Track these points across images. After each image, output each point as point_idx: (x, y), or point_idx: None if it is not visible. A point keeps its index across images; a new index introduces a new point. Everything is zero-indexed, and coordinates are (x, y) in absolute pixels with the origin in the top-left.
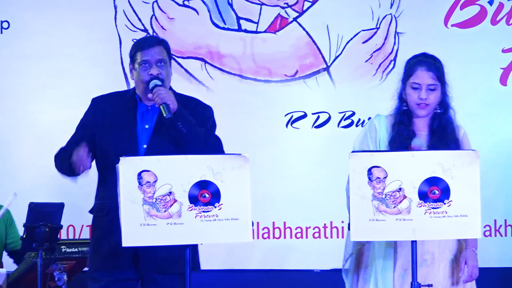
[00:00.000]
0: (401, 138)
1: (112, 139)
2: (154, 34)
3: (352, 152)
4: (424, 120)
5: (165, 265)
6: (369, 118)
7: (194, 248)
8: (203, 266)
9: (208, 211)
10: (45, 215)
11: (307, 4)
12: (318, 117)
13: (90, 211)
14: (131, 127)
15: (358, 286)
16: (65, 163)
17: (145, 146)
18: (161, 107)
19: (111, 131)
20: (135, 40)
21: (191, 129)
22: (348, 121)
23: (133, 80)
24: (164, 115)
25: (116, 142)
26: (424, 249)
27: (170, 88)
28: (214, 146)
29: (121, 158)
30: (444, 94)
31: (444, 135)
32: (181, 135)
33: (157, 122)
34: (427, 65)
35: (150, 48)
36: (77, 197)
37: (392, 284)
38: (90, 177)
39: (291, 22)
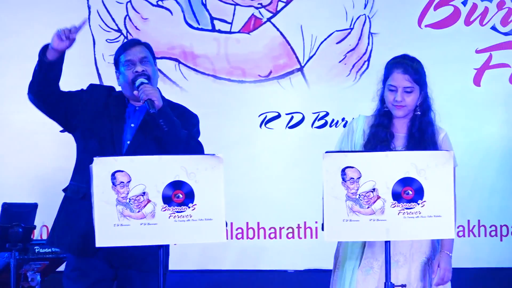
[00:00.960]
0: (376, 140)
1: (98, 128)
2: (128, 34)
3: (326, 152)
4: (404, 122)
5: (135, 261)
6: (343, 119)
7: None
8: (177, 267)
9: (181, 212)
10: (18, 216)
11: (281, 5)
12: (292, 117)
13: (64, 190)
14: (118, 122)
15: (332, 286)
16: (41, 69)
17: (128, 142)
18: (146, 102)
19: (98, 119)
20: (108, 41)
21: (173, 128)
22: (322, 122)
23: (120, 85)
24: (149, 110)
25: (101, 132)
26: (396, 250)
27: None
28: (195, 151)
29: (94, 158)
30: (425, 96)
31: (422, 137)
32: (163, 134)
33: (142, 121)
34: (403, 67)
35: (131, 48)
36: (51, 197)
37: (351, 274)
38: (64, 178)
39: (265, 22)
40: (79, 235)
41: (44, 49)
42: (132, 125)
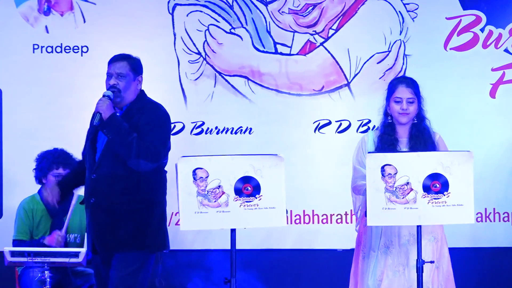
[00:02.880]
0: (385, 146)
1: (88, 138)
2: (207, 56)
3: (369, 153)
4: (405, 129)
5: (116, 244)
6: None
7: (159, 228)
8: (246, 246)
9: (250, 201)
10: None
11: (331, 32)
12: (341, 124)
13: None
14: (95, 129)
15: (359, 267)
16: None
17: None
18: (95, 115)
19: (90, 132)
20: (190, 61)
21: (116, 136)
22: (365, 127)
23: None
24: (93, 122)
25: (90, 140)
26: (407, 231)
27: (140, 98)
28: (143, 151)
29: (180, 158)
30: (420, 108)
31: (422, 139)
32: (109, 140)
33: None
34: (406, 82)
35: (114, 63)
36: None
37: (375, 260)
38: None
39: (318, 46)
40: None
41: None
42: None
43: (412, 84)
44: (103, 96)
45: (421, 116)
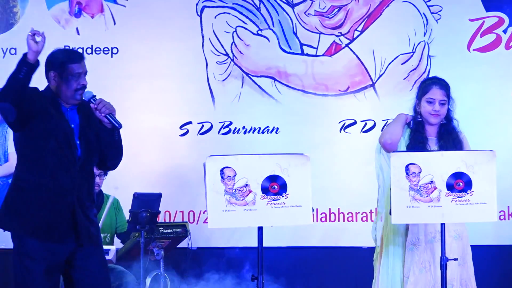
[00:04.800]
0: (415, 142)
1: (53, 128)
2: (234, 58)
3: (393, 152)
4: (434, 128)
5: (96, 238)
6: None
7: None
8: (273, 244)
9: (277, 200)
10: (146, 203)
11: (356, 33)
12: (366, 124)
13: (19, 182)
14: (66, 123)
15: (382, 261)
16: (13, 83)
17: (78, 142)
18: (109, 117)
19: (49, 120)
20: (218, 63)
21: (119, 136)
22: None
23: (54, 86)
24: (116, 125)
25: (56, 132)
26: (432, 228)
27: None
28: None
29: (208, 157)
30: (449, 109)
31: (450, 138)
32: (113, 141)
33: (80, 122)
34: (440, 84)
35: (80, 62)
36: (172, 188)
37: (402, 257)
38: (183, 173)
39: (344, 47)
40: (45, 223)
41: (21, 62)
42: (72, 125)
43: (445, 86)
44: (93, 96)
45: (449, 117)
